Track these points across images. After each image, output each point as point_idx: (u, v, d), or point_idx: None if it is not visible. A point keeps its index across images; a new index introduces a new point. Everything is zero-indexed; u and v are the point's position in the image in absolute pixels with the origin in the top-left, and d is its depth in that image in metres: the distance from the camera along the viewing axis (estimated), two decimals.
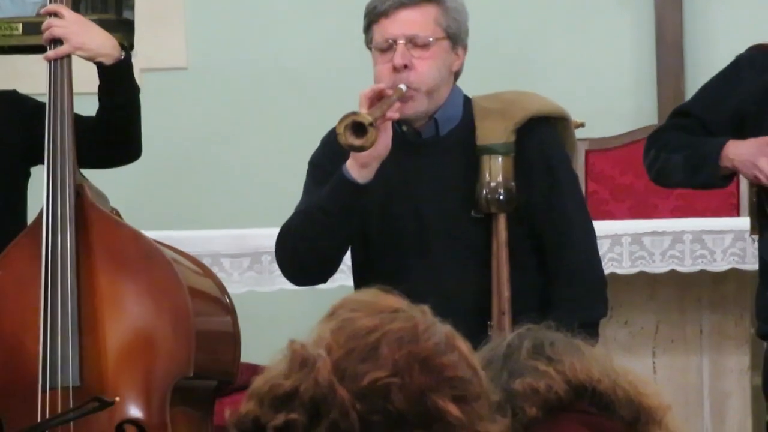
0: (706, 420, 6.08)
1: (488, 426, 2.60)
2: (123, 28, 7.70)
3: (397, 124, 5.17)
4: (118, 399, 5.21)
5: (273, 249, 5.40)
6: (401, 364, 2.55)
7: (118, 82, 5.51)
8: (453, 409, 2.55)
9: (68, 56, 5.48)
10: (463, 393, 2.58)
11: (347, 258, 5.44)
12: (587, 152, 6.93)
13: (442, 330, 2.61)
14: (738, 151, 5.29)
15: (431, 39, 5.20)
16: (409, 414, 2.55)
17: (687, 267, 6.43)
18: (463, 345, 2.63)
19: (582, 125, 5.69)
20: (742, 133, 5.36)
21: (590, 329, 4.93)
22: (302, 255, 5.29)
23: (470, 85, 5.42)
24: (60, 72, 5.48)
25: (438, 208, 5.26)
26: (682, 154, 5.44)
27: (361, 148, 4.99)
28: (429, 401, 2.54)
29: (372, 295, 2.67)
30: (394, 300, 2.65)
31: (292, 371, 2.58)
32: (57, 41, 5.47)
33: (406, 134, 5.24)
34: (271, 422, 2.57)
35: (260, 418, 2.59)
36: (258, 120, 7.24)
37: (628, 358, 6.04)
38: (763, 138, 5.25)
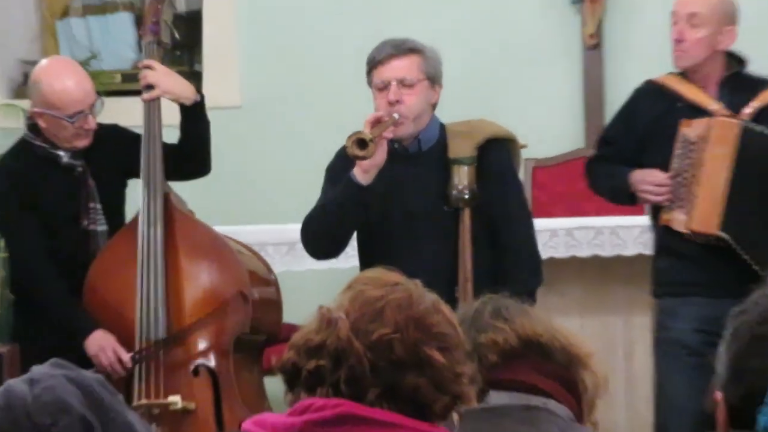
0: (619, 362, 6.08)
1: (463, 368, 2.60)
2: (194, 78, 7.69)
3: (391, 141, 5.16)
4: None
5: None
6: (401, 324, 2.56)
7: (195, 118, 5.54)
8: (438, 356, 2.55)
9: (158, 98, 5.51)
10: (446, 344, 2.58)
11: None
12: (534, 168, 6.92)
13: (430, 297, 2.62)
14: (631, 180, 5.35)
15: (415, 80, 5.21)
16: (406, 361, 2.55)
17: (606, 252, 6.44)
18: (446, 308, 2.64)
19: (525, 146, 5.65)
20: (644, 154, 5.38)
21: (529, 295, 4.87)
22: (320, 237, 5.32)
23: (447, 113, 5.43)
24: (152, 110, 5.52)
25: (420, 204, 5.26)
26: (609, 184, 5.52)
27: (363, 158, 5.04)
28: (421, 351, 2.55)
29: (378, 272, 2.69)
30: (394, 276, 2.67)
31: (320, 329, 2.58)
32: (150, 87, 5.50)
33: (397, 149, 5.23)
34: (305, 366, 2.57)
35: (297, 363, 2.58)
36: (298, 147, 7.23)
37: (563, 319, 5.97)
38: (645, 170, 5.32)
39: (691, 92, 5.39)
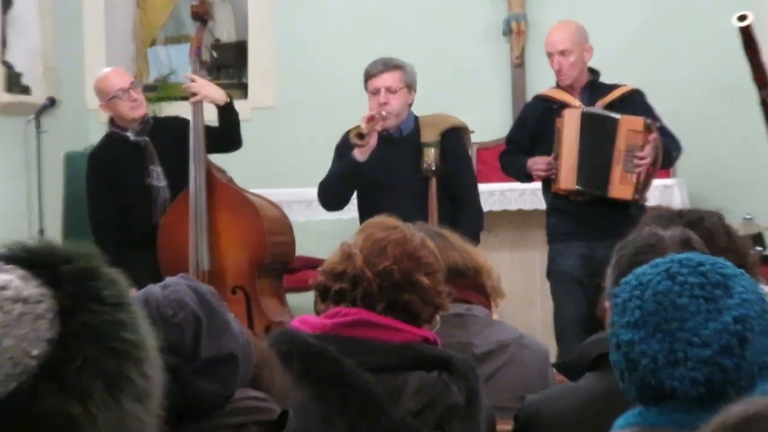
0: (537, 283, 6.01)
1: (443, 287, 2.58)
2: (242, 88, 7.64)
3: (381, 131, 5.17)
4: None
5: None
6: (398, 257, 2.53)
7: (227, 113, 5.51)
8: (425, 280, 2.53)
9: (200, 101, 5.48)
10: (430, 270, 2.56)
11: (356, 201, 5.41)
12: (478, 149, 6.85)
13: (419, 236, 2.60)
14: (528, 165, 5.37)
15: (398, 88, 5.20)
16: (402, 283, 2.52)
17: (527, 207, 6.38)
18: (430, 244, 2.62)
19: (473, 132, 5.66)
20: (536, 147, 5.40)
21: (476, 237, 4.94)
22: (330, 195, 5.31)
23: (421, 109, 5.40)
24: (197, 109, 5.50)
25: (401, 173, 5.23)
26: (513, 170, 5.50)
27: (361, 146, 5.06)
28: (412, 276, 2.52)
29: (382, 219, 2.68)
30: (393, 221, 2.65)
31: (342, 261, 2.56)
32: (194, 94, 5.50)
33: (385, 135, 5.21)
34: (332, 287, 2.55)
35: (327, 284, 2.57)
36: (314, 135, 7.08)
37: (498, 253, 5.99)
38: (535, 158, 5.33)
39: (561, 96, 5.40)
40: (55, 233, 6.65)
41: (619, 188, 5.23)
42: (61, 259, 1.09)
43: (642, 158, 5.18)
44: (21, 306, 1.05)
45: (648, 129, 5.22)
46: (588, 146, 5.24)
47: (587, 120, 5.26)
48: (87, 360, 1.04)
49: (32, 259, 1.09)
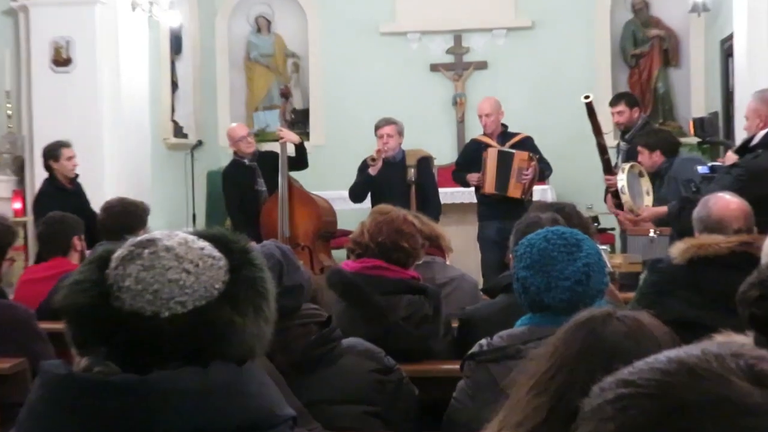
0: (472, 243, 5.67)
1: (419, 246, 2.52)
2: (306, 134, 7.56)
3: (384, 158, 5.08)
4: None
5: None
6: (389, 231, 2.46)
7: (300, 150, 5.41)
8: (406, 244, 2.47)
9: (285, 142, 5.39)
10: (410, 237, 2.49)
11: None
12: (438, 168, 6.74)
13: (403, 215, 2.53)
14: (466, 177, 5.27)
15: (394, 134, 5.10)
16: (392, 246, 2.44)
17: (467, 201, 6.17)
18: (410, 218, 2.55)
19: (435, 158, 5.66)
20: (471, 168, 5.27)
21: (437, 218, 4.82)
22: (355, 195, 5.21)
23: (406, 145, 5.29)
24: (283, 146, 5.39)
25: (395, 183, 5.12)
26: (459, 179, 5.38)
27: (373, 166, 4.99)
28: (399, 242, 2.45)
29: (382, 206, 2.63)
30: (390, 208, 2.58)
31: (359, 235, 2.49)
32: (281, 137, 5.40)
33: (386, 161, 5.11)
34: (355, 250, 2.49)
35: (351, 248, 2.50)
36: (347, 161, 6.76)
37: (451, 227, 5.91)
38: (471, 174, 5.22)
39: (486, 140, 5.33)
40: (201, 218, 6.71)
41: (514, 191, 5.23)
42: (232, 239, 1.11)
43: (527, 175, 5.20)
44: (211, 260, 1.06)
45: (531, 159, 5.24)
46: (499, 168, 5.23)
47: (500, 155, 5.25)
48: (247, 294, 1.06)
49: (214, 238, 1.10)
